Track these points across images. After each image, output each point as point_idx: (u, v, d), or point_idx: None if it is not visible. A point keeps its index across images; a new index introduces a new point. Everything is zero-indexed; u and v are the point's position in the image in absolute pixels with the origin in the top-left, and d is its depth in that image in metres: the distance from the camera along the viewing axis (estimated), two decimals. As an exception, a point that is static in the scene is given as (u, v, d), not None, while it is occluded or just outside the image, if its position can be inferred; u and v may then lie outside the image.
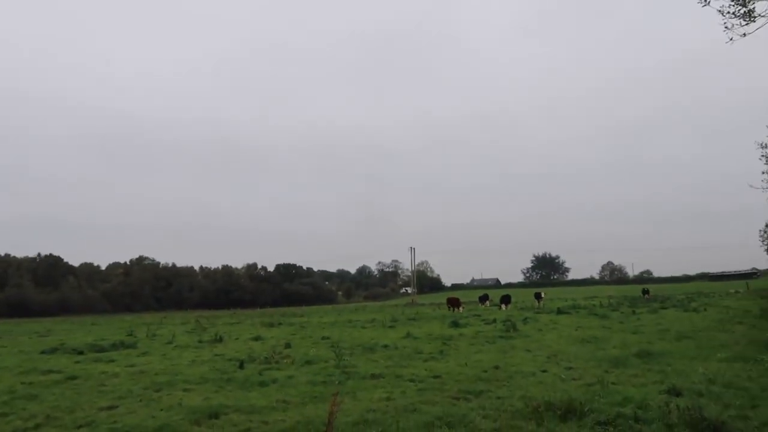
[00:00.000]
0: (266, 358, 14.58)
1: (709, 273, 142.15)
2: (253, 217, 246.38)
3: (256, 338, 22.27)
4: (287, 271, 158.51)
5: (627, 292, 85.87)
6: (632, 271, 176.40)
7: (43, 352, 18.85)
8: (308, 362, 13.83)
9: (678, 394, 8.13)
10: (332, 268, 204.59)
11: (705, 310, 28.99)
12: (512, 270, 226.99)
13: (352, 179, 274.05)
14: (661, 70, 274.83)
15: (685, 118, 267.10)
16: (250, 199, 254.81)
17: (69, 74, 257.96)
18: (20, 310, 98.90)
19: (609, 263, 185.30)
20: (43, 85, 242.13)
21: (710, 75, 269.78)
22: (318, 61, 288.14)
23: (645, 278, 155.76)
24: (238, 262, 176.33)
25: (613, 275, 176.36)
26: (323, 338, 21.01)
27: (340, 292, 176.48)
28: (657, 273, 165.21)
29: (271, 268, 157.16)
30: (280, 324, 33.71)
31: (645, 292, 58.23)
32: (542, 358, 13.26)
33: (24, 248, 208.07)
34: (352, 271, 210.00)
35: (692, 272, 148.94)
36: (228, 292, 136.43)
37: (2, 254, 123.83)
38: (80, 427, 7.92)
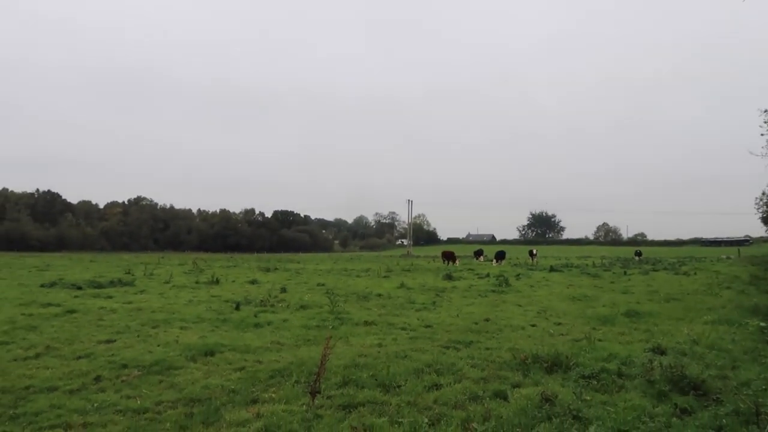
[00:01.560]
0: (262, 301, 14.83)
1: (702, 238, 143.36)
2: (252, 163, 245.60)
3: (252, 282, 22.58)
4: (284, 217, 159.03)
5: (620, 253, 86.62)
6: (626, 233, 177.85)
7: (42, 286, 19.11)
8: (303, 307, 14.08)
9: (662, 352, 8.33)
10: (330, 217, 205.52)
11: (695, 274, 29.36)
12: (508, 227, 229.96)
13: (353, 129, 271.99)
14: (672, 32, 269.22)
15: (690, 81, 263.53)
16: (250, 145, 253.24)
17: (72, 4, 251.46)
18: (19, 244, 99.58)
19: (604, 224, 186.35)
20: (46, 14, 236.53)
21: (721, 43, 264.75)
22: (324, 7, 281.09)
23: (638, 241, 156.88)
24: (236, 207, 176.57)
25: (608, 236, 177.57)
26: (318, 285, 21.31)
27: (336, 241, 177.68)
28: (651, 236, 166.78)
29: (268, 215, 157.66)
30: (276, 269, 34.09)
31: (638, 254, 58.84)
32: (532, 314, 13.52)
33: (22, 184, 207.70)
34: (350, 221, 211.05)
35: (686, 237, 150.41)
36: (225, 236, 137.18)
37: (0, 188, 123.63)
38: (79, 358, 8.12)
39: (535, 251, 48.38)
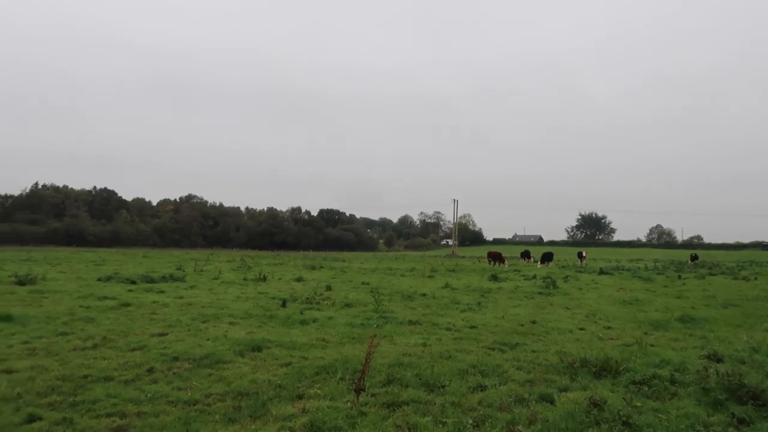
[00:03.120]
0: (307, 298, 15.03)
1: (763, 242, 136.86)
2: (298, 161, 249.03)
3: (298, 279, 22.91)
4: (330, 216, 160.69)
5: (674, 256, 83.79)
6: (681, 236, 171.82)
7: (99, 280, 19.92)
8: (347, 305, 14.20)
9: (718, 360, 8.01)
10: (374, 216, 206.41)
11: (755, 279, 28.10)
12: (556, 228, 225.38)
13: (397, 127, 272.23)
14: (724, 26, 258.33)
15: (750, 74, 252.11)
16: (296, 144, 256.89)
17: (128, 14, 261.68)
18: (77, 239, 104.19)
19: (658, 226, 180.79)
20: (103, 24, 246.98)
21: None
22: (363, 6, 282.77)
23: (695, 244, 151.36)
24: (282, 205, 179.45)
25: (661, 239, 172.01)
26: (363, 283, 21.44)
27: (381, 240, 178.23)
28: (708, 239, 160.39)
29: (314, 213, 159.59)
30: (321, 267, 34.49)
31: (693, 257, 56.69)
32: (580, 317, 13.23)
33: (81, 181, 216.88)
34: (394, 220, 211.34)
35: (746, 240, 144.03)
36: (272, 234, 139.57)
37: (60, 186, 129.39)
38: (133, 350, 8.42)
39: (584, 253, 47.34)
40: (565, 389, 6.58)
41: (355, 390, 6.03)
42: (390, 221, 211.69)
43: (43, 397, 6.01)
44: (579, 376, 7.11)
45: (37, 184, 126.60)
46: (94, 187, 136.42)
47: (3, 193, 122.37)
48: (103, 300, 14.09)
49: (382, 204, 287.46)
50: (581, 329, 11.31)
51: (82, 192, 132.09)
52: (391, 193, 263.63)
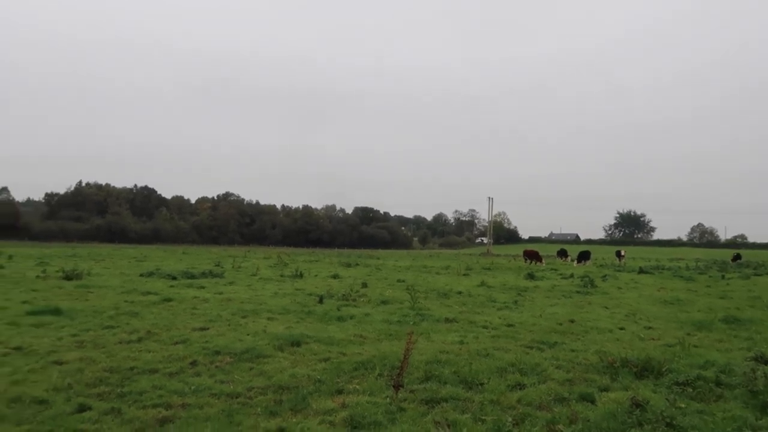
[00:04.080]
0: (344, 295, 15.15)
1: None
2: (334, 160, 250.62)
3: (334, 276, 23.11)
4: (365, 214, 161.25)
5: (717, 256, 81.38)
6: (724, 235, 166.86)
7: (141, 275, 20.50)
8: (384, 302, 14.26)
9: (766, 362, 7.78)
10: (409, 214, 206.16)
11: (804, 280, 27.08)
12: (593, 226, 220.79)
13: (431, 127, 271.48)
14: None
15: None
16: (331, 143, 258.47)
17: (172, 20, 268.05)
18: (119, 236, 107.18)
19: (699, 225, 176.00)
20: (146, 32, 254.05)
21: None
22: (398, 6, 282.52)
23: (738, 243, 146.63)
24: (318, 203, 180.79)
25: (703, 238, 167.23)
26: (398, 281, 21.48)
27: (415, 238, 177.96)
28: (752, 238, 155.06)
29: (349, 210, 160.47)
30: (356, 265, 34.69)
31: (736, 257, 54.89)
32: (620, 316, 13.00)
33: (122, 180, 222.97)
34: (429, 218, 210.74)
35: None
36: (307, 231, 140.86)
37: (103, 184, 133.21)
38: (176, 343, 8.65)
39: (622, 252, 46.44)
40: (606, 389, 6.49)
41: (393, 386, 6.07)
42: (424, 219, 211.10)
43: (92, 388, 6.23)
44: (620, 376, 7.00)
45: (80, 182, 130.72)
46: (135, 186, 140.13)
47: (49, 192, 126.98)
48: (146, 295, 14.50)
49: (416, 202, 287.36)
50: (621, 329, 11.11)
51: (124, 190, 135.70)
52: (425, 190, 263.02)
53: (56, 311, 11.07)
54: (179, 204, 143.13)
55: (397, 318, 11.65)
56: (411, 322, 11.15)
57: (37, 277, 18.81)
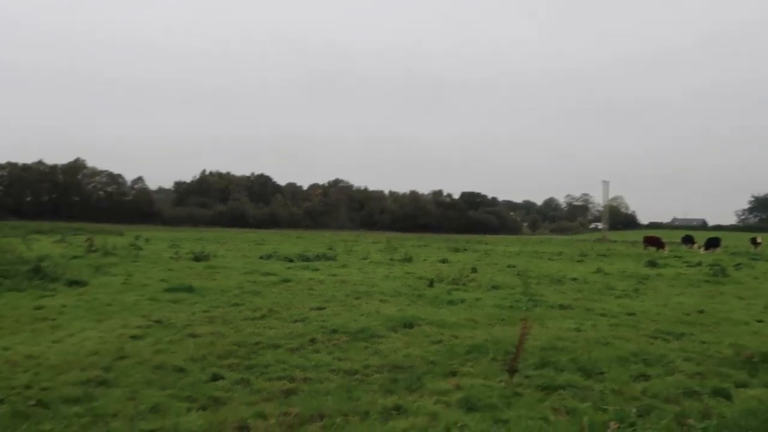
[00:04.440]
0: (454, 279, 15.14)
1: None
2: (441, 145, 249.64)
3: (443, 261, 23.13)
4: (472, 199, 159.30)
5: None
6: None
7: (261, 258, 21.73)
8: (494, 287, 14.08)
9: None
10: (517, 199, 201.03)
11: None
12: (723, 211, 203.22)
13: (542, 108, 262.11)
14: None
15: None
16: (436, 129, 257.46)
17: (291, 14, 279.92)
18: (240, 221, 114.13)
19: None
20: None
21: None
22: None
23: None
24: (424, 189, 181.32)
25: None
26: (508, 266, 21.10)
27: (525, 224, 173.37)
28: None
29: (456, 196, 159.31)
30: (465, 250, 34.46)
31: None
32: (758, 308, 11.90)
33: (241, 168, 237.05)
34: (539, 202, 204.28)
35: None
36: (415, 216, 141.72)
37: (224, 172, 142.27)
38: (296, 321, 9.10)
39: (758, 239, 42.30)
40: (744, 385, 6.02)
41: (508, 370, 6.00)
42: (534, 204, 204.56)
43: (223, 359, 6.73)
44: (759, 371, 6.45)
45: (204, 171, 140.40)
46: (252, 173, 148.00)
47: (178, 180, 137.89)
48: (266, 276, 15.36)
49: (525, 186, 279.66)
50: (759, 321, 10.19)
51: (243, 178, 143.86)
52: (534, 174, 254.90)
53: (189, 289, 12.06)
54: (292, 190, 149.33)
55: (508, 303, 11.46)
56: (523, 308, 10.93)
57: (171, 258, 20.54)
